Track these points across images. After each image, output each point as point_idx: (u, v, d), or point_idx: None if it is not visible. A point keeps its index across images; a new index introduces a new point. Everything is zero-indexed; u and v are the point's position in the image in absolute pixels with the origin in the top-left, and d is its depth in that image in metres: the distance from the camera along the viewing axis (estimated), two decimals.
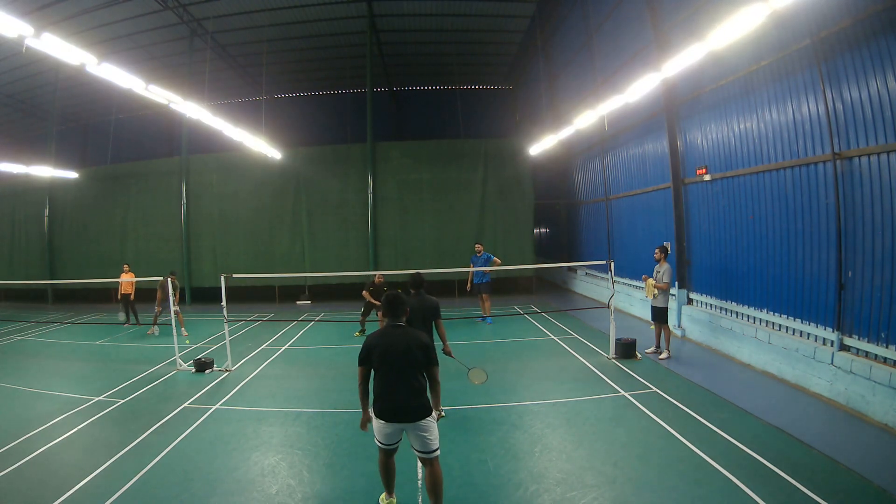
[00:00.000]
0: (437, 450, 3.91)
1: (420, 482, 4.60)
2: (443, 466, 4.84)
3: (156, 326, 11.79)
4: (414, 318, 5.80)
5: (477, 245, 12.78)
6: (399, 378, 3.83)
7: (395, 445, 4.03)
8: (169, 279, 9.71)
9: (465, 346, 10.00)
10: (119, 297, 12.84)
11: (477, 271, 12.03)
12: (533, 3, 16.64)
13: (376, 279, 11.13)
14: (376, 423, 3.93)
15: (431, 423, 3.91)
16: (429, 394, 3.95)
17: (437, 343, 5.60)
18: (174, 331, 9.05)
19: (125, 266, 13.02)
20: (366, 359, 3.92)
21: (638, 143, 12.12)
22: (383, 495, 4.24)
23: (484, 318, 12.02)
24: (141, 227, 17.45)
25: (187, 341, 10.68)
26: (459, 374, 7.96)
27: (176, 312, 10.39)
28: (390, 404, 3.84)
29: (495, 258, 12.53)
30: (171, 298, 9.77)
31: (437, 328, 6.02)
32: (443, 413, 4.52)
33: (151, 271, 14.19)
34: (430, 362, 3.92)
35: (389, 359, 3.84)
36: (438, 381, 4.02)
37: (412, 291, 6.04)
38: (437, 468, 3.92)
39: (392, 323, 4.00)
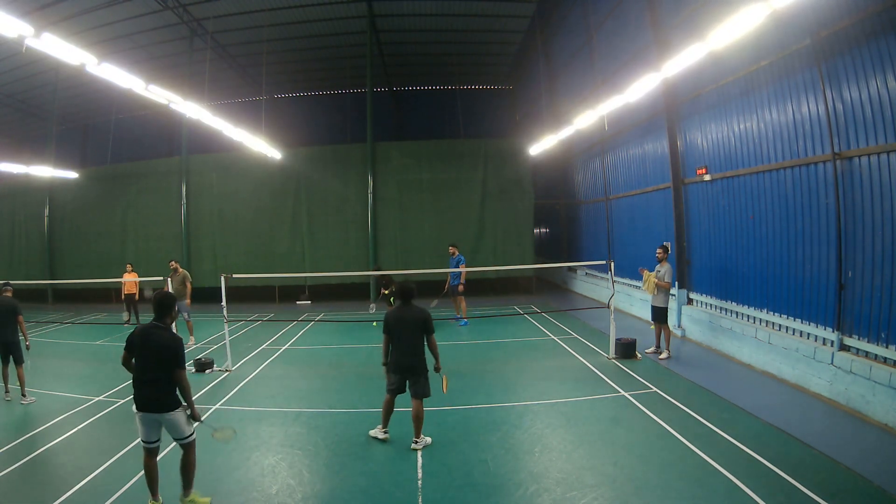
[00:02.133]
0: (188, 437, 4.25)
1: (420, 482, 4.60)
2: (443, 466, 4.89)
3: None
4: (401, 334, 5.26)
5: (451, 247, 12.55)
6: (147, 374, 4.14)
7: (156, 444, 4.21)
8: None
9: (465, 346, 10.02)
10: (122, 297, 12.80)
11: (452, 274, 11.98)
12: (533, 3, 16.64)
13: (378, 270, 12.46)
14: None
15: (178, 415, 4.17)
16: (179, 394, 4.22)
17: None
18: (174, 330, 8.95)
19: (128, 266, 12.99)
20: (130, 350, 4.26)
21: (638, 143, 12.12)
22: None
23: (458, 319, 12.01)
24: (141, 227, 17.44)
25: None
26: (460, 374, 7.98)
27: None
28: (140, 395, 4.13)
29: (463, 264, 12.16)
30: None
31: (429, 345, 5.37)
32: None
33: (152, 271, 14.15)
34: (178, 364, 4.14)
35: (145, 354, 4.16)
36: (183, 384, 4.19)
37: (398, 303, 5.48)
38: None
39: (155, 322, 4.27)
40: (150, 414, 4.10)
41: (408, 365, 5.29)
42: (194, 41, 17.03)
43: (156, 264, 16.02)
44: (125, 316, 12.86)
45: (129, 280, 12.57)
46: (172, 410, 4.14)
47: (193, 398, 4.34)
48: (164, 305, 4.32)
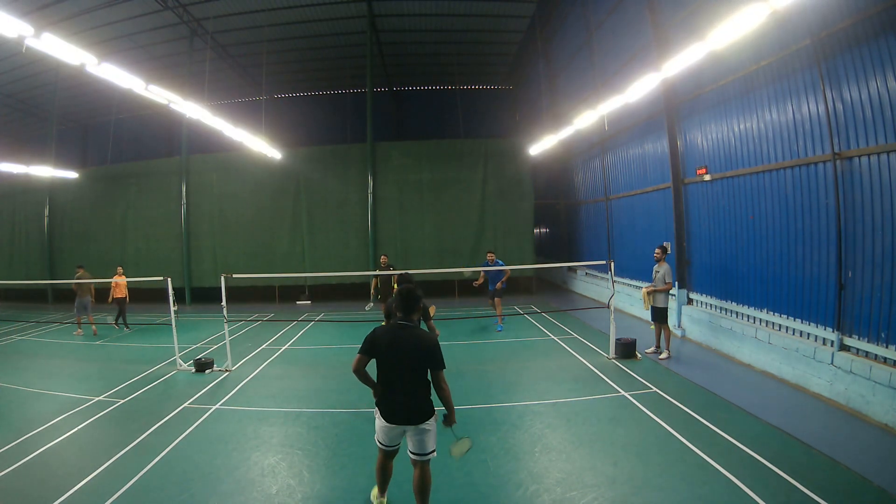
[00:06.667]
0: (432, 452, 3.89)
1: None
2: (442, 466, 4.86)
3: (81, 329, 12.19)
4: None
5: (489, 254, 11.97)
6: (401, 380, 3.77)
7: (396, 447, 4.01)
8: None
9: (465, 346, 10.02)
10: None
11: (492, 278, 11.55)
12: (533, 3, 16.65)
13: (381, 260, 12.41)
14: (378, 423, 3.91)
15: (432, 426, 3.86)
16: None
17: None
18: (174, 331, 8.95)
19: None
20: (368, 350, 3.81)
21: (638, 143, 12.12)
22: (375, 490, 4.19)
23: (497, 325, 11.70)
24: (141, 227, 17.45)
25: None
26: (459, 374, 7.98)
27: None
28: (393, 406, 3.79)
29: (505, 267, 11.70)
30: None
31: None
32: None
33: (152, 271, 14.19)
34: (436, 365, 3.75)
35: (393, 358, 3.74)
36: (445, 387, 3.79)
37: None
38: (427, 470, 3.91)
39: (401, 320, 3.85)
40: (405, 426, 3.80)
41: None
42: (194, 41, 17.03)
43: (156, 264, 16.09)
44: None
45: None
46: (428, 420, 3.79)
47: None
48: (415, 300, 3.85)
